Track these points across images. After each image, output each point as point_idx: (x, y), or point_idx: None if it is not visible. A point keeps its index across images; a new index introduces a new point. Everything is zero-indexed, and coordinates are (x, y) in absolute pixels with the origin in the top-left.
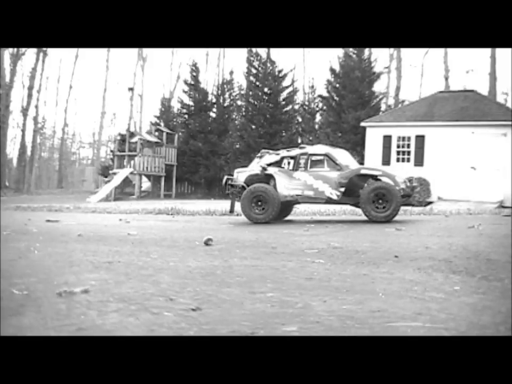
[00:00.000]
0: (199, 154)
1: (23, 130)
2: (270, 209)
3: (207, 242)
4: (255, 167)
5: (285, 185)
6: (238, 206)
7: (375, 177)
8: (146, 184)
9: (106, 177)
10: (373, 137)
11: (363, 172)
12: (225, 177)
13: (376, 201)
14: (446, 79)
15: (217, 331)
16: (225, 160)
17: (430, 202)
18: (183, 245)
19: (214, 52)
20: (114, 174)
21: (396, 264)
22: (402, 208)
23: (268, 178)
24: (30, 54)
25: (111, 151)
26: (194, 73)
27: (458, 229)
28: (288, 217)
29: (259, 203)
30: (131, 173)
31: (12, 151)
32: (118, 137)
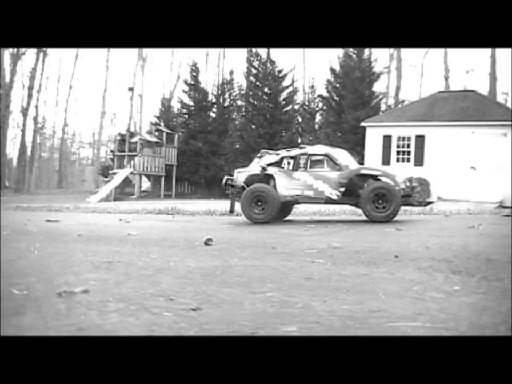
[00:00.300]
0: (199, 154)
1: (23, 130)
2: (270, 209)
3: (207, 242)
4: (255, 167)
5: (285, 185)
6: (238, 206)
7: (375, 177)
8: (146, 184)
9: (106, 177)
10: (373, 137)
11: (363, 171)
12: (225, 177)
13: (376, 201)
14: (446, 79)
15: (217, 331)
16: (225, 160)
17: (430, 202)
18: (183, 245)
19: (214, 51)
20: (114, 174)
21: (396, 264)
22: (402, 208)
23: (268, 178)
24: (30, 54)
25: (111, 151)
26: (194, 73)
27: (458, 229)
28: (288, 217)
29: (259, 203)
30: (131, 173)
31: (12, 151)
32: (118, 137)
